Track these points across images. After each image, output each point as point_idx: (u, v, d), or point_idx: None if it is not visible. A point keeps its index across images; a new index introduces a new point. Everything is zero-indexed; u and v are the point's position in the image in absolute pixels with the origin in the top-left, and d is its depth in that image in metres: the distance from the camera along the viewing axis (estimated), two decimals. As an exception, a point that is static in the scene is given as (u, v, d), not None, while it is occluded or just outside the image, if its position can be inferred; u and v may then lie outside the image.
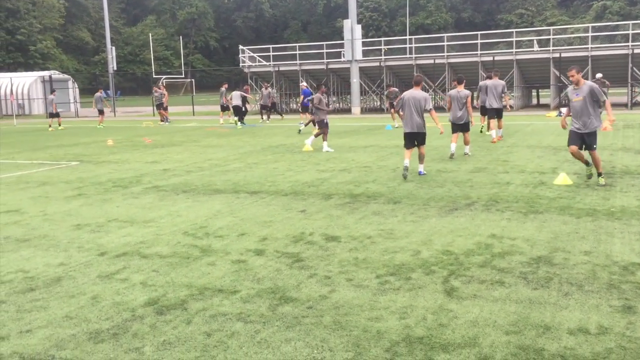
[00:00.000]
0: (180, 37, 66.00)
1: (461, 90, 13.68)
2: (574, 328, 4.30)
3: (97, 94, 32.20)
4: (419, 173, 11.28)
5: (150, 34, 64.86)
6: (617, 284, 5.17)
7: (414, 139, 11.08)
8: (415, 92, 11.00)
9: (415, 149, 11.20)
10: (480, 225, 7.35)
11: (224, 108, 29.20)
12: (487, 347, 4.04)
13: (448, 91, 21.95)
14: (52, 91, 32.78)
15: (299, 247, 6.61)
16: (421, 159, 11.28)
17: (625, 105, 31.40)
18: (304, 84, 27.40)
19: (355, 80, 33.79)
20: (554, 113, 27.81)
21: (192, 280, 5.62)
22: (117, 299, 5.19)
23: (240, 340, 4.28)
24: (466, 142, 13.84)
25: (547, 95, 36.73)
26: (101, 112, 31.43)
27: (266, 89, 30.24)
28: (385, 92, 28.07)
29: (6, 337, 4.45)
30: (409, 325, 4.43)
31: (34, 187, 11.38)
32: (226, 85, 29.28)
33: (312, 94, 21.54)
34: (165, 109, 31.59)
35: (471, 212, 8.09)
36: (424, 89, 15.75)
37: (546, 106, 34.28)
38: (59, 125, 29.96)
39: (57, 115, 29.85)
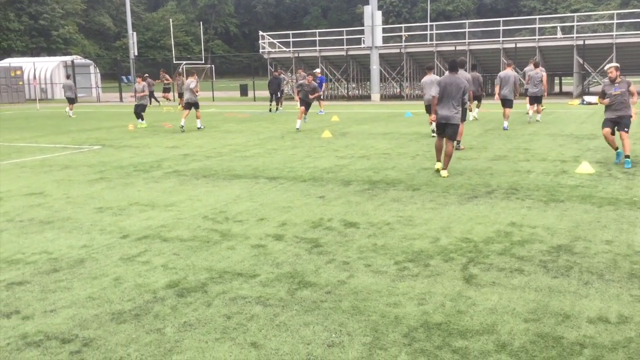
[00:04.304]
0: (201, 22, 66.07)
1: (538, 72, 17.61)
2: (593, 317, 4.28)
3: (68, 81, 29.53)
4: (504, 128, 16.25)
5: (170, 20, 64.96)
6: (639, 273, 5.12)
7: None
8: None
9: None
10: (500, 213, 7.32)
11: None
12: (505, 334, 4.04)
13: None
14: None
15: (318, 233, 6.64)
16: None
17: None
18: (318, 70, 27.32)
19: (375, 67, 33.61)
20: (577, 101, 27.44)
21: (212, 263, 5.68)
22: (139, 280, 5.27)
23: (260, 323, 4.33)
24: (538, 111, 18.36)
25: (570, 83, 36.20)
26: (71, 100, 27.22)
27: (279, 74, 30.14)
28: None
29: (31, 317, 4.55)
30: (427, 312, 4.44)
31: (57, 170, 11.54)
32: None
33: (326, 81, 21.56)
34: (167, 91, 32.13)
35: (491, 200, 8.05)
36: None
37: (569, 94, 33.81)
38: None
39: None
